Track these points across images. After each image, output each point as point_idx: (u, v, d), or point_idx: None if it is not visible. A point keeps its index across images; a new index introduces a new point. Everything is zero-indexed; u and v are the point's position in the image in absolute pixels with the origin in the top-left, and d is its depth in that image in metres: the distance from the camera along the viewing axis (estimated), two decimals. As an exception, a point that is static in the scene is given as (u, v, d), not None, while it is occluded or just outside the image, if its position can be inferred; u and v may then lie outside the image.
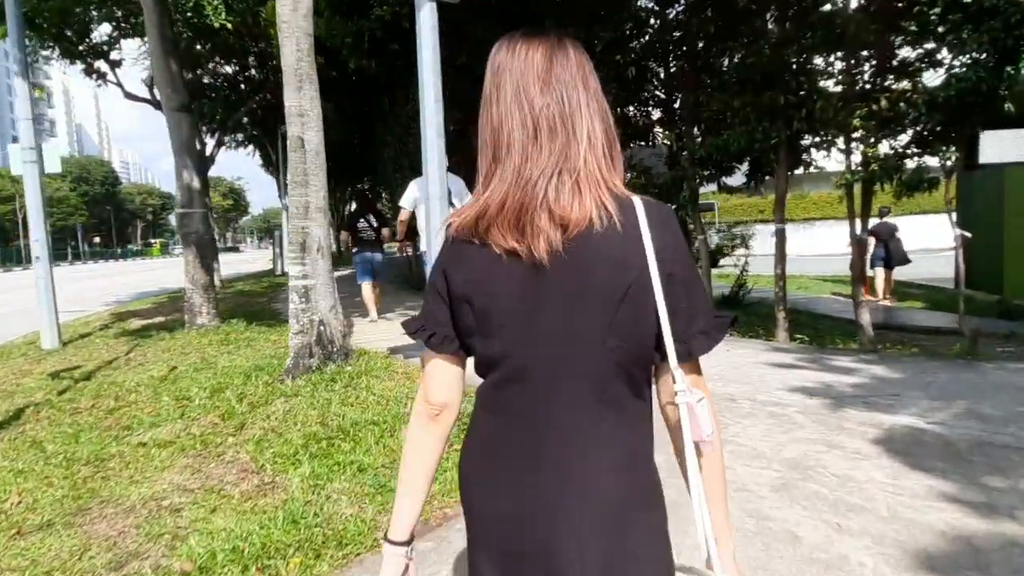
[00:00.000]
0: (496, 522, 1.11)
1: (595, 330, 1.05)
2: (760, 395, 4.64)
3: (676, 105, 8.04)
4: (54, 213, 72.82)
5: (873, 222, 13.30)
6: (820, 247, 22.71)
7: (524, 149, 1.09)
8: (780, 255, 7.11)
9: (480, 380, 1.15)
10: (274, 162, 24.60)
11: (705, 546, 1.08)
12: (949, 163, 5.74)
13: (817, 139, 6.91)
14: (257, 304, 12.40)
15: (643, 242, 1.05)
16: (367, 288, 8.58)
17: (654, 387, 1.14)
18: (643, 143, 9.26)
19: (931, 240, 18.35)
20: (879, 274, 12.78)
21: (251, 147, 30.00)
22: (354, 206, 9.92)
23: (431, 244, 4.61)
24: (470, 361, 1.17)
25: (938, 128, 5.71)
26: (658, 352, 1.08)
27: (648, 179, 7.94)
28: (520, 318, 1.07)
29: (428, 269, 4.58)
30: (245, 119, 24.31)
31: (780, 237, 7.10)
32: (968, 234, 5.94)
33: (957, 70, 5.31)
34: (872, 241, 12.51)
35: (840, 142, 6.47)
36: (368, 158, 19.08)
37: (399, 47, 8.63)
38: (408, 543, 1.19)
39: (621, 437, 1.08)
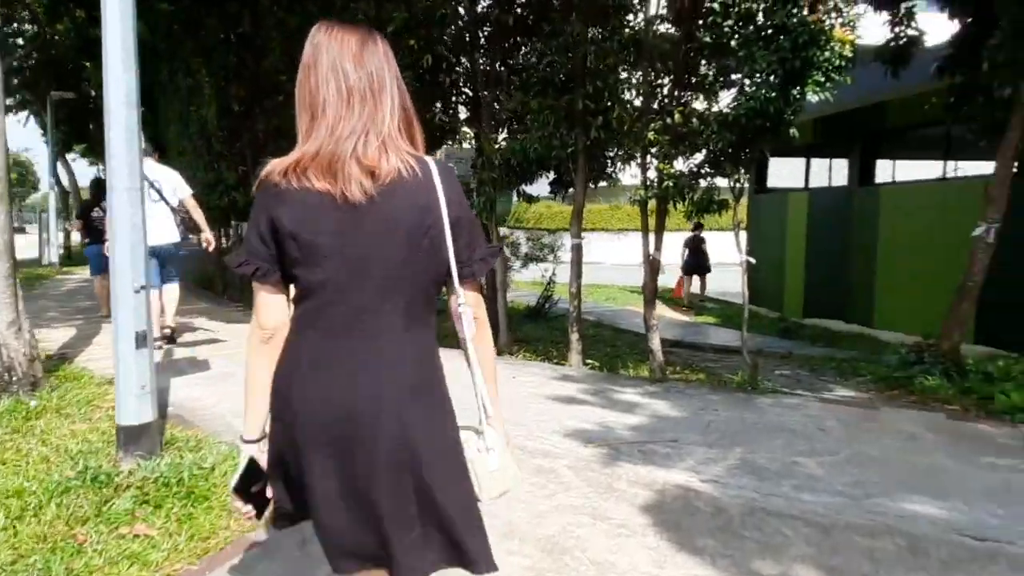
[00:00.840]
0: (328, 416, 1.36)
1: (404, 258, 1.38)
2: (532, 441, 4.00)
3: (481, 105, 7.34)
4: None
5: (688, 235, 14.28)
6: (633, 257, 23.68)
7: (337, 111, 1.38)
8: (576, 271, 6.66)
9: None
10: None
11: (481, 409, 1.52)
12: (738, 185, 5.53)
13: (618, 151, 6.54)
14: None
15: (437, 192, 1.40)
16: (99, 283, 7.81)
17: (449, 299, 1.49)
18: (451, 143, 8.51)
19: (730, 255, 19.66)
20: (688, 281, 14.75)
21: (23, 113, 25.91)
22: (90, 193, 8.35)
23: (115, 241, 3.44)
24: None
25: (729, 149, 5.48)
26: (449, 275, 1.44)
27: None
28: (342, 250, 1.35)
29: (116, 268, 3.43)
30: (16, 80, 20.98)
31: (576, 252, 6.65)
32: (752, 260, 5.80)
33: (748, 89, 5.08)
34: (685, 251, 14.11)
35: (638, 156, 6.12)
36: (157, 137, 16.75)
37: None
38: (260, 439, 1.49)
39: (419, 338, 1.44)
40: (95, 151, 29.28)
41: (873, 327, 10.74)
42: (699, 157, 5.96)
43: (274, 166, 1.36)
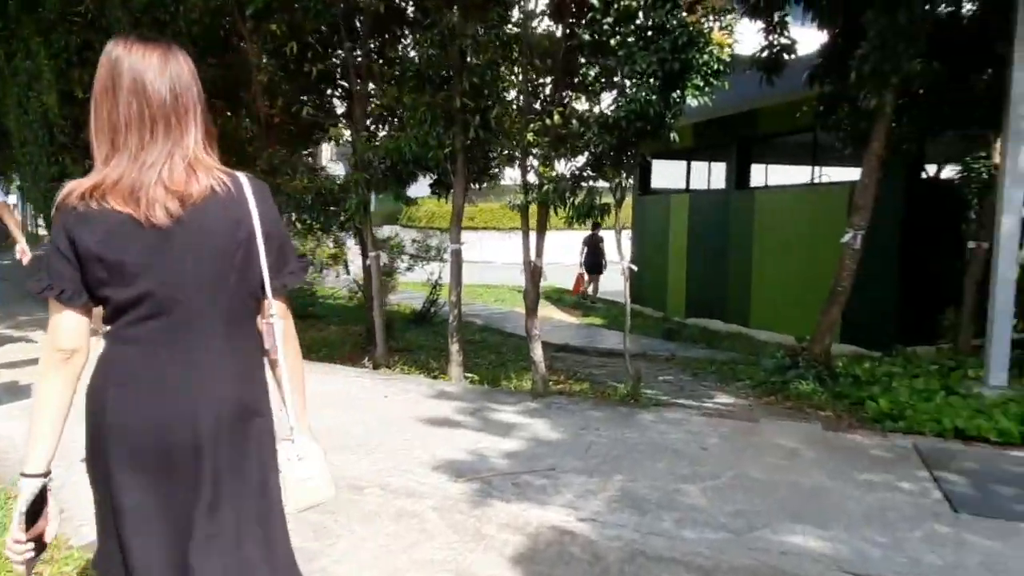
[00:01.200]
0: (141, 431, 1.33)
1: (219, 274, 1.39)
2: (397, 477, 3.57)
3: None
4: None
5: (585, 233, 14.38)
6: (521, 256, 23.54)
7: (142, 138, 1.34)
8: (456, 279, 6.28)
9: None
10: None
11: (288, 419, 1.51)
12: (620, 189, 5.33)
13: (500, 151, 6.19)
14: None
15: (250, 207, 1.41)
16: None
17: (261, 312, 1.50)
18: (326, 142, 7.86)
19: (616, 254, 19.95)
20: (584, 277, 15.02)
21: None
22: None
23: None
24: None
25: (611, 152, 5.27)
26: (262, 289, 1.45)
27: (315, 182, 6.54)
28: (153, 268, 1.33)
29: None
30: None
31: (456, 258, 6.27)
32: (634, 267, 5.64)
33: (628, 91, 4.87)
34: (584, 250, 14.92)
35: (519, 158, 5.80)
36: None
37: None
38: (46, 474, 1.37)
39: (240, 352, 1.45)
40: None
41: (750, 327, 11.07)
42: (581, 160, 5.74)
43: (72, 188, 1.33)
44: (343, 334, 9.08)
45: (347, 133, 7.19)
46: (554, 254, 7.71)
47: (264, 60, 6.16)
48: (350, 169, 7.35)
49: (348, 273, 10.78)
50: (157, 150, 1.33)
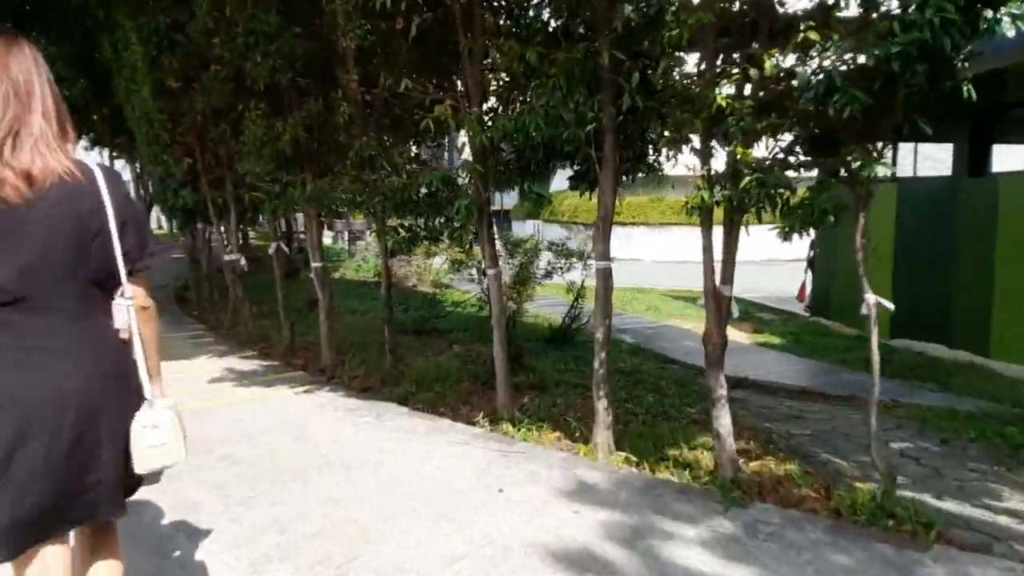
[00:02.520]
0: (4, 404, 1.48)
1: (73, 259, 1.54)
2: None
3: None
4: None
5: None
6: (677, 253, 21.02)
7: None
8: (604, 307, 4.50)
9: None
10: None
11: (145, 383, 1.70)
12: (878, 175, 3.23)
13: (664, 129, 4.29)
14: None
15: (103, 198, 1.57)
16: None
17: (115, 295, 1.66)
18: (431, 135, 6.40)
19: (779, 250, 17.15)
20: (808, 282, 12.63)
21: None
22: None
23: None
24: None
25: (860, 119, 3.21)
26: (118, 274, 1.62)
27: (415, 179, 5.01)
28: (6, 253, 1.46)
29: None
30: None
31: (603, 280, 4.49)
32: (890, 305, 3.55)
33: (910, 14, 2.84)
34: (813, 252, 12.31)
35: (698, 133, 3.88)
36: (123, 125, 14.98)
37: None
38: None
39: (98, 331, 1.62)
40: None
41: (989, 357, 8.34)
42: (787, 138, 3.76)
43: None
44: (465, 358, 7.56)
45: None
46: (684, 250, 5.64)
47: (350, 21, 4.67)
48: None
49: (482, 278, 9.28)
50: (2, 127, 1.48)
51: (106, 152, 29.92)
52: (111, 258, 1.60)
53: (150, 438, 1.65)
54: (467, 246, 5.72)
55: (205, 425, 4.80)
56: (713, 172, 3.74)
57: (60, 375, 1.53)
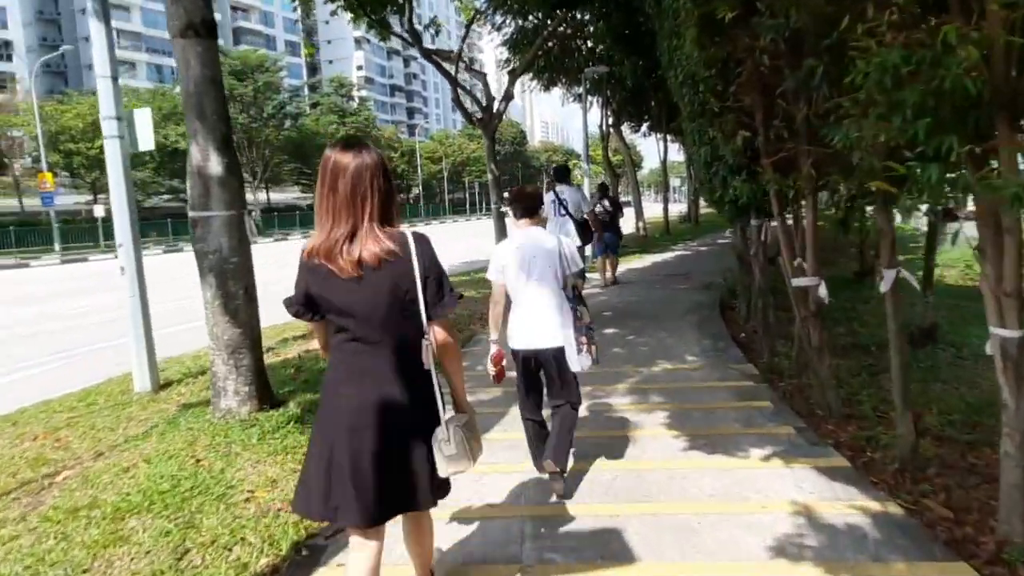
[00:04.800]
0: (345, 410, 2.19)
1: (391, 311, 2.16)
2: None
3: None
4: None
5: None
6: None
7: (332, 220, 2.13)
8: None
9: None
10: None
11: (443, 399, 2.28)
12: None
13: None
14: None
15: (413, 263, 2.16)
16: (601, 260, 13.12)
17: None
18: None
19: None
20: None
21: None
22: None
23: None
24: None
25: None
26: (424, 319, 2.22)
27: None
28: (349, 308, 2.16)
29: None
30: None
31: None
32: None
33: None
34: None
35: None
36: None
37: None
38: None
39: (408, 362, 2.21)
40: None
41: None
42: None
43: (305, 246, 2.19)
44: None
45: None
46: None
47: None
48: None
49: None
50: (340, 230, 2.12)
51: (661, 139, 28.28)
52: (418, 310, 2.20)
53: (445, 450, 2.21)
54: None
55: None
56: None
57: (380, 392, 2.18)
